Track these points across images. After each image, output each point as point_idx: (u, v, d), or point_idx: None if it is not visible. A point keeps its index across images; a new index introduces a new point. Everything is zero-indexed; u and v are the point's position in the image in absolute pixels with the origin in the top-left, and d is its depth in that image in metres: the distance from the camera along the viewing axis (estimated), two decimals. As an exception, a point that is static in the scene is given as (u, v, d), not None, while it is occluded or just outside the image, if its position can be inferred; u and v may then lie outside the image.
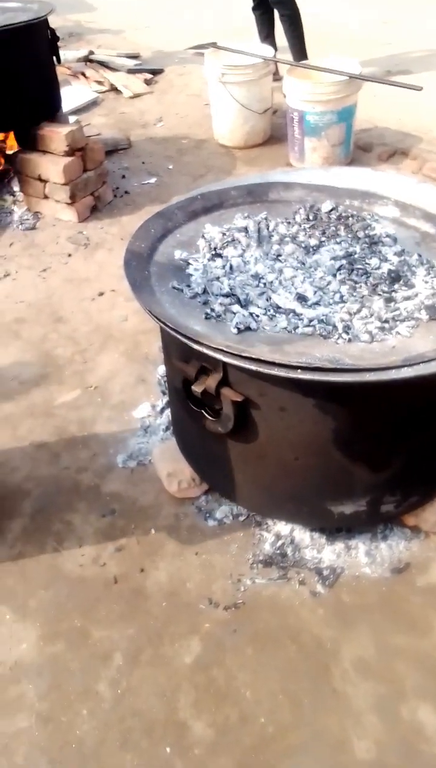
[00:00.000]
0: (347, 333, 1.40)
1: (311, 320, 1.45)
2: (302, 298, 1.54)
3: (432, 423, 1.50)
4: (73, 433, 2.16)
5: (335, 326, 1.43)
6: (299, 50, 4.33)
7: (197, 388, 1.40)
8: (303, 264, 1.67)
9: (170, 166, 3.85)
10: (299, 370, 1.23)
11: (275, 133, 4.08)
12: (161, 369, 2.35)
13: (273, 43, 4.43)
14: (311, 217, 1.86)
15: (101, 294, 2.85)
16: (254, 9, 4.50)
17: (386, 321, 1.46)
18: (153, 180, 3.72)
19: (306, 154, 3.59)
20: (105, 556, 1.78)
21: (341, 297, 1.54)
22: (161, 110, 4.57)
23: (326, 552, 1.78)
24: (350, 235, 1.78)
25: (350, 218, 1.84)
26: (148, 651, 1.58)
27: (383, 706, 1.49)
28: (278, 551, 1.78)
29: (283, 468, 1.54)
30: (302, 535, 1.81)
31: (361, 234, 1.78)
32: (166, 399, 2.22)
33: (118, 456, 2.06)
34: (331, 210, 1.88)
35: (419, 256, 1.67)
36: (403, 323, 1.45)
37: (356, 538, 1.80)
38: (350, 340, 1.39)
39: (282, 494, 1.64)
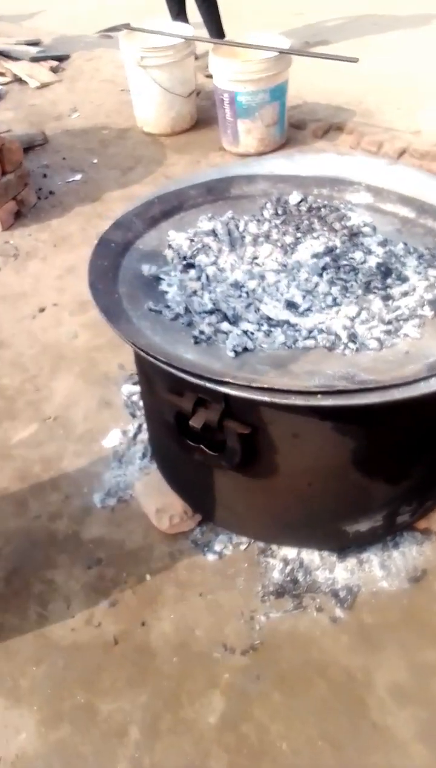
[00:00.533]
0: (354, 342, 1.26)
1: (310, 331, 1.30)
2: (292, 306, 1.39)
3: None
4: (38, 475, 1.93)
5: (337, 335, 1.28)
6: (216, 27, 4.12)
7: (196, 423, 1.23)
8: (284, 266, 1.51)
9: (95, 160, 3.58)
10: (318, 396, 1.08)
11: (201, 116, 3.88)
12: (126, 388, 2.15)
13: (185, 20, 4.19)
14: (280, 212, 1.70)
15: (42, 310, 2.59)
16: (161, -15, 4.25)
17: (390, 322, 1.33)
18: (78, 176, 3.45)
19: (240, 137, 3.41)
20: (99, 615, 1.59)
21: (334, 299, 1.40)
22: (74, 99, 4.27)
23: (339, 571, 1.65)
24: (326, 228, 1.64)
25: (323, 209, 1.69)
26: (167, 717, 1.41)
27: (427, 733, 1.38)
28: (289, 578, 1.64)
29: (294, 495, 1.40)
30: (310, 556, 1.67)
31: (337, 226, 1.64)
32: (137, 423, 2.02)
33: (95, 495, 1.85)
34: (300, 201, 1.72)
35: (405, 244, 1.54)
36: (408, 323, 1.32)
37: (367, 550, 1.68)
38: (357, 350, 1.25)
39: (293, 521, 1.50)
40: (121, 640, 1.54)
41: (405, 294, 1.40)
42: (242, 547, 1.71)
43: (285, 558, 1.68)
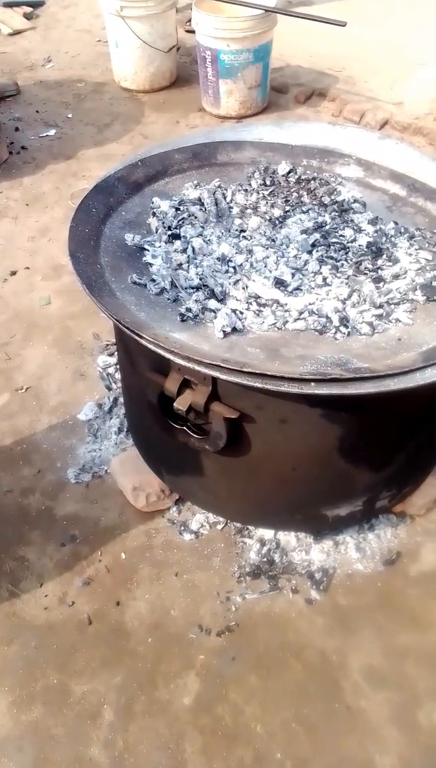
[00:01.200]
0: (345, 326, 1.21)
1: (300, 312, 1.24)
2: (280, 283, 1.33)
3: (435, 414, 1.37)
4: (10, 448, 1.86)
5: (328, 318, 1.24)
6: (198, -22, 3.92)
7: (181, 405, 1.18)
8: (273, 241, 1.44)
9: (70, 115, 3.41)
10: (312, 384, 1.04)
11: (180, 73, 3.72)
12: (102, 359, 2.08)
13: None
14: (268, 182, 1.62)
15: (13, 273, 2.47)
16: None
17: (381, 306, 1.28)
18: (52, 132, 3.28)
19: (221, 98, 3.28)
20: (72, 593, 1.55)
21: (324, 279, 1.34)
22: (48, 49, 4.04)
23: (315, 552, 1.65)
24: (315, 202, 1.57)
25: (312, 181, 1.62)
26: (142, 699, 1.40)
27: (400, 716, 1.40)
28: (265, 559, 1.63)
29: (278, 480, 1.37)
30: (287, 537, 1.66)
31: (327, 200, 1.57)
32: (112, 396, 1.96)
33: (69, 470, 1.79)
34: (289, 172, 1.65)
35: (396, 224, 1.49)
36: (399, 307, 1.28)
37: (343, 532, 1.68)
38: (348, 334, 1.21)
39: (274, 505, 1.47)
40: (96, 620, 1.51)
41: (397, 277, 1.36)
42: (219, 526, 1.68)
43: (262, 538, 1.66)
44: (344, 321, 1.22)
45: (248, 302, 1.26)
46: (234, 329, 1.18)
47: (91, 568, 1.59)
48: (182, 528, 1.67)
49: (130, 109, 3.45)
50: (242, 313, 1.22)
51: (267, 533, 1.67)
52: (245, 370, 1.04)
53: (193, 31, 3.27)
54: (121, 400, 1.91)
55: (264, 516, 1.55)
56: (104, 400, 1.95)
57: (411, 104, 3.31)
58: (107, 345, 2.12)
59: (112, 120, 3.36)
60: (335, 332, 1.21)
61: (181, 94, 3.62)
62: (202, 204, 1.51)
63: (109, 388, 1.98)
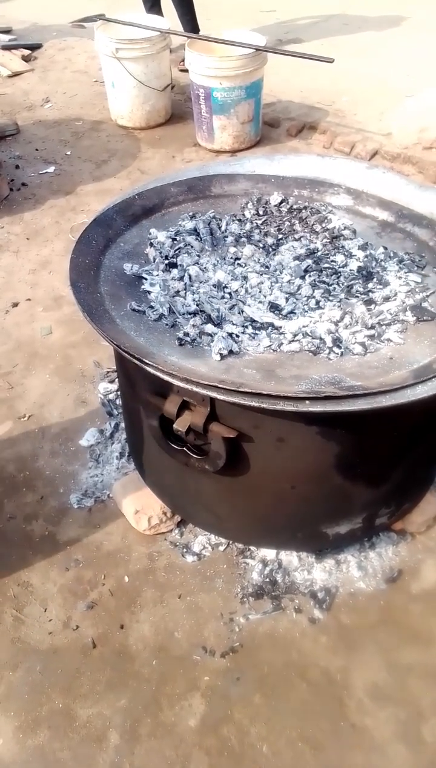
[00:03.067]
0: (338, 347, 1.26)
1: (294, 335, 1.29)
2: (275, 308, 1.38)
3: (432, 430, 1.40)
4: (13, 475, 1.89)
5: (322, 339, 1.28)
6: (190, 20, 4.08)
7: (181, 427, 1.21)
8: (267, 267, 1.50)
9: (68, 152, 3.52)
10: (307, 402, 1.08)
11: (176, 111, 3.85)
12: (102, 386, 2.12)
13: (159, 13, 4.14)
14: (261, 212, 1.69)
15: (15, 305, 2.54)
16: (136, -24, 4.18)
17: (373, 327, 1.33)
18: (51, 169, 3.38)
19: (215, 133, 3.40)
20: (76, 618, 1.56)
21: (317, 302, 1.40)
22: (47, 90, 4.19)
23: (317, 571, 1.66)
24: (307, 230, 1.64)
25: (303, 210, 1.69)
26: (147, 721, 1.40)
27: (405, 732, 1.40)
28: (267, 579, 1.64)
29: (277, 498, 1.39)
30: (289, 557, 1.68)
31: (318, 228, 1.64)
32: (114, 421, 1.99)
33: (71, 495, 1.82)
34: (281, 202, 1.72)
35: (385, 249, 1.55)
36: (390, 328, 1.33)
37: (344, 551, 1.70)
38: (342, 354, 1.25)
39: (275, 524, 1.49)
40: (100, 644, 1.52)
41: (387, 299, 1.41)
42: (221, 548, 1.70)
43: (264, 559, 1.68)
44: (337, 342, 1.27)
45: (243, 326, 1.30)
46: (231, 352, 1.23)
47: (94, 591, 1.61)
48: (185, 550, 1.69)
49: (127, 145, 3.56)
50: (237, 336, 1.27)
51: (269, 553, 1.69)
52: (242, 390, 1.08)
53: (186, 70, 3.40)
54: (123, 425, 1.95)
55: (265, 535, 1.58)
56: (106, 425, 1.99)
57: (399, 134, 3.42)
58: (108, 372, 2.17)
59: (110, 156, 3.46)
60: (329, 353, 1.25)
61: (176, 130, 3.73)
62: (198, 234, 1.57)
63: (110, 414, 2.02)
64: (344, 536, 1.54)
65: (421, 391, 1.10)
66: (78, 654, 1.50)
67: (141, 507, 1.67)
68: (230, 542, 1.71)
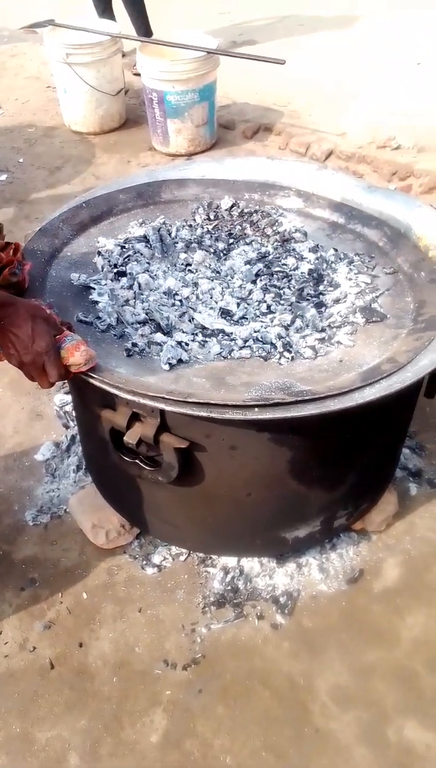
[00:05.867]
0: (289, 351, 1.25)
1: (245, 341, 1.28)
2: (226, 314, 1.37)
3: (386, 431, 1.41)
4: (-34, 491, 1.84)
5: (272, 344, 1.27)
6: (143, 24, 4.05)
7: (131, 439, 1.19)
8: (218, 273, 1.49)
9: (21, 159, 3.46)
10: (256, 409, 1.07)
11: (130, 115, 3.82)
12: (58, 398, 2.08)
13: (112, 18, 4.10)
14: (211, 217, 1.68)
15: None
16: (86, -20, 4.13)
17: (323, 330, 1.33)
18: (4, 177, 3.32)
19: (170, 137, 3.38)
20: (33, 638, 1.52)
21: (268, 307, 1.39)
22: (-2, 96, 4.11)
23: (279, 576, 1.65)
24: (258, 234, 1.63)
25: (254, 214, 1.68)
26: (108, 741, 1.37)
27: (369, 734, 1.40)
28: (229, 587, 1.63)
29: (234, 506, 1.38)
30: (250, 563, 1.67)
31: (269, 231, 1.63)
32: (70, 434, 1.96)
33: (27, 512, 1.77)
34: (232, 206, 1.71)
35: (335, 250, 1.56)
36: (341, 330, 1.33)
37: (305, 554, 1.69)
38: (292, 359, 1.25)
39: (233, 532, 1.48)
40: (58, 664, 1.48)
41: (337, 301, 1.41)
42: (182, 558, 1.68)
43: (225, 567, 1.66)
44: (287, 346, 1.26)
45: (193, 333, 1.29)
46: (180, 361, 1.21)
47: (51, 610, 1.57)
48: (144, 562, 1.67)
49: (82, 151, 3.52)
50: (187, 344, 1.25)
51: (230, 561, 1.67)
52: (190, 400, 1.06)
53: (139, 74, 3.37)
54: (79, 437, 1.91)
55: (225, 543, 1.56)
56: (62, 438, 1.95)
57: (354, 134, 3.45)
58: (64, 383, 2.12)
59: (64, 162, 3.41)
60: (280, 358, 1.24)
61: (131, 135, 3.70)
62: (148, 241, 1.55)
63: (66, 427, 1.98)
64: (303, 540, 1.54)
65: (369, 394, 1.10)
66: (35, 676, 1.46)
67: (98, 521, 1.64)
68: (191, 552, 1.69)
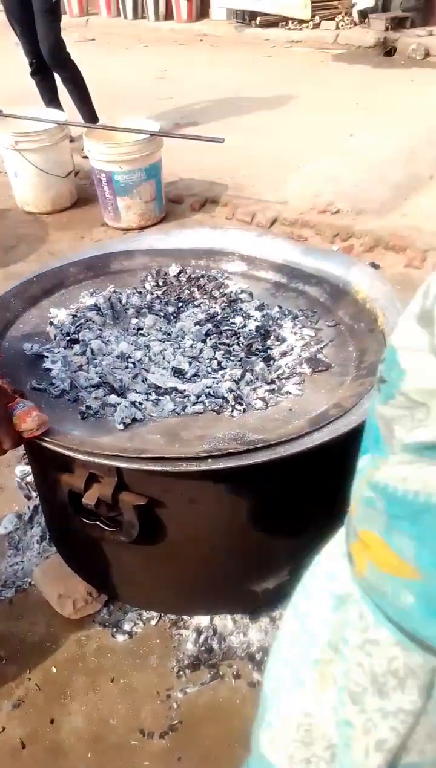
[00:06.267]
0: (240, 404, 1.30)
1: (197, 396, 1.33)
2: (179, 372, 1.42)
3: (342, 472, 1.45)
4: None
5: (224, 398, 1.32)
6: (88, 111, 4.29)
7: (90, 500, 1.20)
8: (169, 335, 1.55)
9: (-25, 241, 3.55)
10: (209, 460, 1.10)
11: (81, 194, 3.98)
12: (19, 469, 2.07)
13: (58, 106, 4.33)
14: (161, 283, 1.76)
15: None
16: (33, 74, 4.37)
17: (272, 382, 1.39)
18: (-42, 258, 3.39)
19: (121, 213, 3.52)
20: (2, 718, 1.46)
21: (219, 363, 1.45)
22: None
23: (253, 632, 1.64)
24: (206, 296, 1.71)
25: (201, 278, 1.77)
26: None
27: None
28: (203, 648, 1.60)
29: (199, 561, 1.39)
30: (223, 621, 1.65)
31: (217, 293, 1.71)
32: (32, 504, 1.94)
33: (-9, 587, 1.74)
34: (179, 272, 1.79)
35: (280, 307, 1.64)
36: (289, 381, 1.39)
37: (278, 607, 1.68)
38: (244, 411, 1.29)
39: (201, 589, 1.48)
40: (29, 743, 1.42)
41: (285, 354, 1.48)
42: (153, 622, 1.66)
43: (198, 627, 1.64)
44: (239, 399, 1.31)
45: (147, 393, 1.33)
46: (135, 419, 1.25)
47: (20, 688, 1.52)
48: (115, 629, 1.63)
49: (35, 230, 3.64)
50: (141, 404, 1.29)
51: (203, 621, 1.66)
52: (145, 456, 1.09)
53: (87, 157, 3.55)
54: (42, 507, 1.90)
55: (194, 602, 1.55)
56: (24, 509, 1.94)
57: (295, 201, 3.65)
58: (24, 454, 2.12)
59: (18, 242, 3.51)
60: (232, 410, 1.29)
61: (83, 213, 3.85)
62: (99, 309, 1.61)
63: (28, 498, 1.97)
64: (273, 591, 1.54)
65: (317, 438, 1.15)
66: (6, 757, 1.40)
67: (64, 590, 1.62)
68: (162, 615, 1.67)
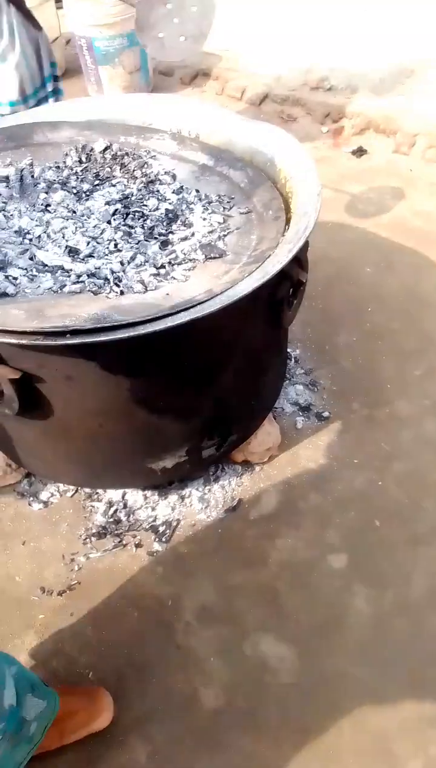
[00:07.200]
0: (117, 285, 1.28)
1: (79, 276, 1.31)
2: (74, 252, 1.39)
3: (233, 362, 1.45)
4: None
5: (106, 279, 1.30)
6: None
7: (-31, 374, 1.23)
8: (74, 212, 1.51)
9: None
10: (41, 337, 1.11)
11: (70, 65, 3.75)
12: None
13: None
14: (83, 159, 1.68)
15: None
16: None
17: (162, 266, 1.35)
18: None
19: (104, 84, 3.33)
20: None
21: (116, 245, 1.41)
22: None
23: (161, 507, 1.73)
24: (127, 176, 1.64)
25: (126, 156, 1.69)
26: (-21, 658, 1.46)
27: (226, 649, 1.49)
28: (112, 519, 1.70)
29: (90, 438, 1.43)
30: (135, 496, 1.74)
31: (138, 173, 1.64)
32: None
33: None
34: (105, 149, 1.71)
35: (197, 191, 1.56)
36: (180, 267, 1.36)
37: (189, 486, 1.76)
38: (122, 293, 1.27)
39: (98, 464, 1.54)
40: None
41: (184, 239, 1.43)
42: (69, 494, 1.75)
43: (110, 501, 1.74)
44: (117, 281, 1.29)
45: (27, 269, 1.32)
46: (5, 294, 1.24)
47: None
48: (32, 499, 1.74)
49: (15, 102, 3.47)
50: (15, 278, 1.28)
51: (115, 494, 1.75)
52: (-6, 329, 1.10)
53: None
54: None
55: (93, 475, 1.62)
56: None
57: (288, 77, 3.38)
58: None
59: (-5, 114, 3.37)
60: (109, 292, 1.27)
61: (69, 85, 3.61)
62: (8, 181, 1.56)
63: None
64: (172, 470, 1.59)
65: (169, 321, 1.14)
66: None
67: (-18, 459, 1.71)
68: (78, 488, 1.75)
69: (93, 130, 1.76)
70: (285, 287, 1.38)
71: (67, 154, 1.69)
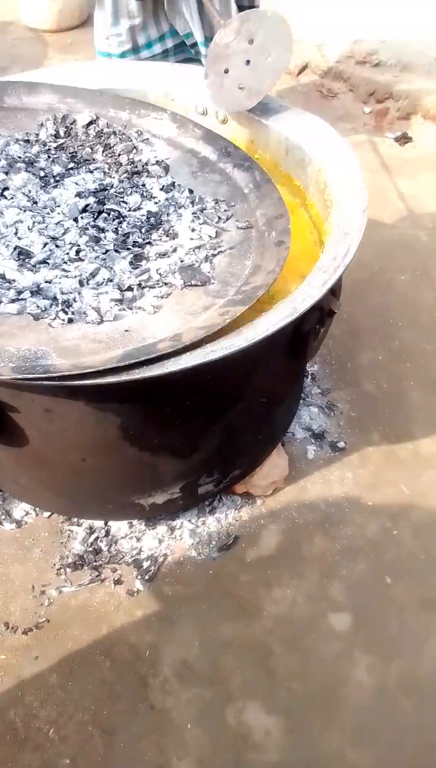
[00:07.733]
0: (65, 312, 1.05)
1: (19, 292, 1.07)
2: (24, 255, 1.15)
3: (243, 399, 1.22)
4: None
5: (55, 299, 1.07)
6: None
7: None
8: (35, 203, 1.26)
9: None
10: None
11: (93, 12, 3.40)
12: None
13: None
14: (60, 133, 1.43)
15: None
16: None
17: (129, 289, 1.11)
18: None
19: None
20: None
21: (78, 252, 1.17)
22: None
23: (147, 539, 1.54)
24: (109, 161, 1.38)
25: (113, 136, 1.42)
26: None
27: (206, 715, 1.31)
28: (91, 548, 1.53)
29: (71, 471, 1.25)
30: (119, 524, 1.56)
31: (124, 159, 1.38)
32: None
33: None
34: (89, 123, 1.45)
35: (190, 192, 1.30)
36: (151, 292, 1.11)
37: (180, 517, 1.56)
38: (70, 321, 1.04)
39: (80, 496, 1.36)
40: None
41: (163, 255, 1.17)
42: (46, 514, 1.58)
43: (91, 526, 1.56)
44: (67, 305, 1.06)
45: None
46: None
47: None
48: (4, 517, 1.58)
49: (34, 50, 3.19)
50: None
51: (98, 521, 1.57)
52: None
53: None
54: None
55: (72, 506, 1.45)
56: None
57: (332, 46, 2.94)
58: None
59: (12, 62, 3.10)
60: (54, 318, 1.05)
61: (91, 34, 3.31)
62: (-37, 157, 1.33)
63: None
64: (162, 506, 1.40)
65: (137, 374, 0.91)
66: None
67: None
68: (54, 509, 1.59)
69: (78, 98, 1.50)
70: (313, 319, 1.13)
71: (42, 125, 1.44)
